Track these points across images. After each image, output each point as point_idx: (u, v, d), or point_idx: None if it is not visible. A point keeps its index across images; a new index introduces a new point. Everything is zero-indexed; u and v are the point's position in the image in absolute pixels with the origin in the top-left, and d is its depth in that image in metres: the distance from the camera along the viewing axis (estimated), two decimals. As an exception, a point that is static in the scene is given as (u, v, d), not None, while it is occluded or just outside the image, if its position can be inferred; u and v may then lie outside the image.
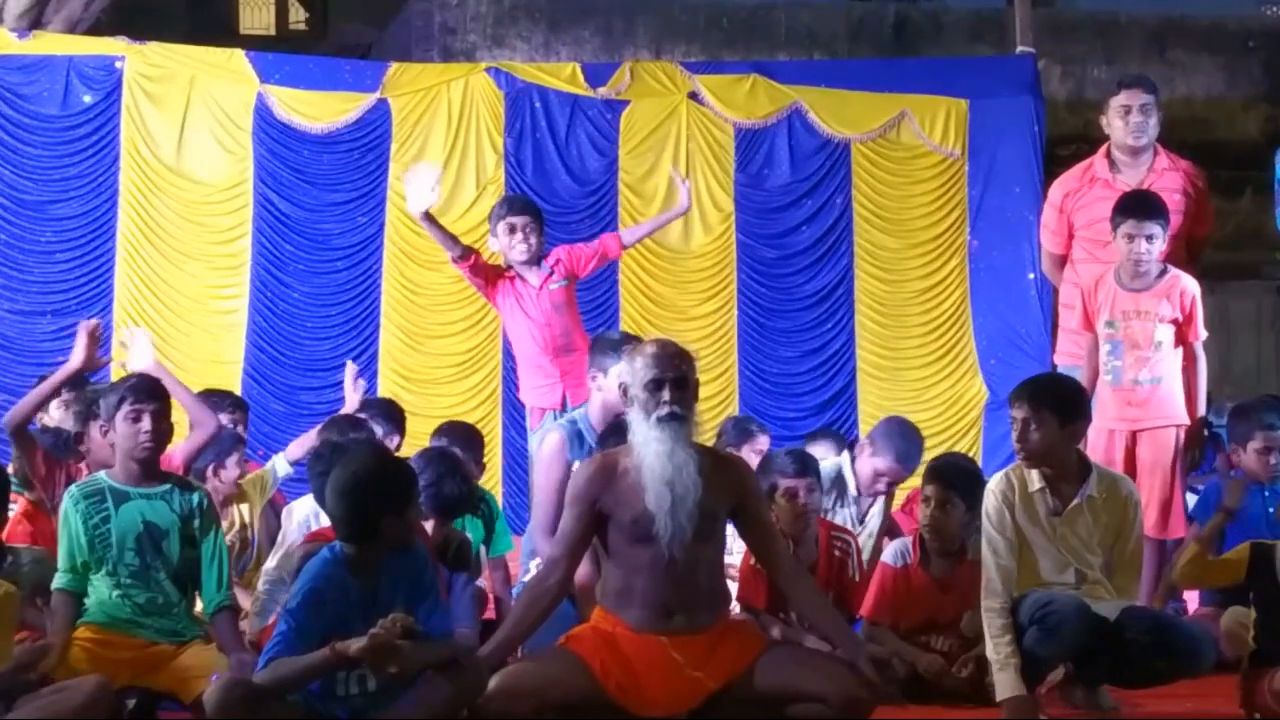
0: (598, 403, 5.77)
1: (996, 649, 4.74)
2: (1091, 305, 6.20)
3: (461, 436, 6.56)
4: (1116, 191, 6.39)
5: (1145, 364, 6.05)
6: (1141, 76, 6.76)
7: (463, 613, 5.37)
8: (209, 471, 6.18)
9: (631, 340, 5.80)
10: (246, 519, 6.30)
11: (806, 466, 5.61)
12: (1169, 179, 6.46)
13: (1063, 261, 6.62)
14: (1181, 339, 6.11)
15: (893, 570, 5.36)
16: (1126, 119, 6.42)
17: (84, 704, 4.39)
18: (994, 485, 4.92)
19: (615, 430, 5.33)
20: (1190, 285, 6.13)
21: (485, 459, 9.21)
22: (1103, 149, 6.56)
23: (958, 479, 5.40)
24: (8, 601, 4.66)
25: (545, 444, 5.71)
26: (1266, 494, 6.04)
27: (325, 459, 5.10)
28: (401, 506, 4.38)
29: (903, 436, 6.31)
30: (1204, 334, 6.18)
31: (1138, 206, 6.12)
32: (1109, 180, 6.45)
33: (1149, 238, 6.04)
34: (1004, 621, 4.75)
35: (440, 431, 6.67)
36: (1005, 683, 4.69)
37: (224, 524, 6.15)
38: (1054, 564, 4.87)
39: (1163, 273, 6.11)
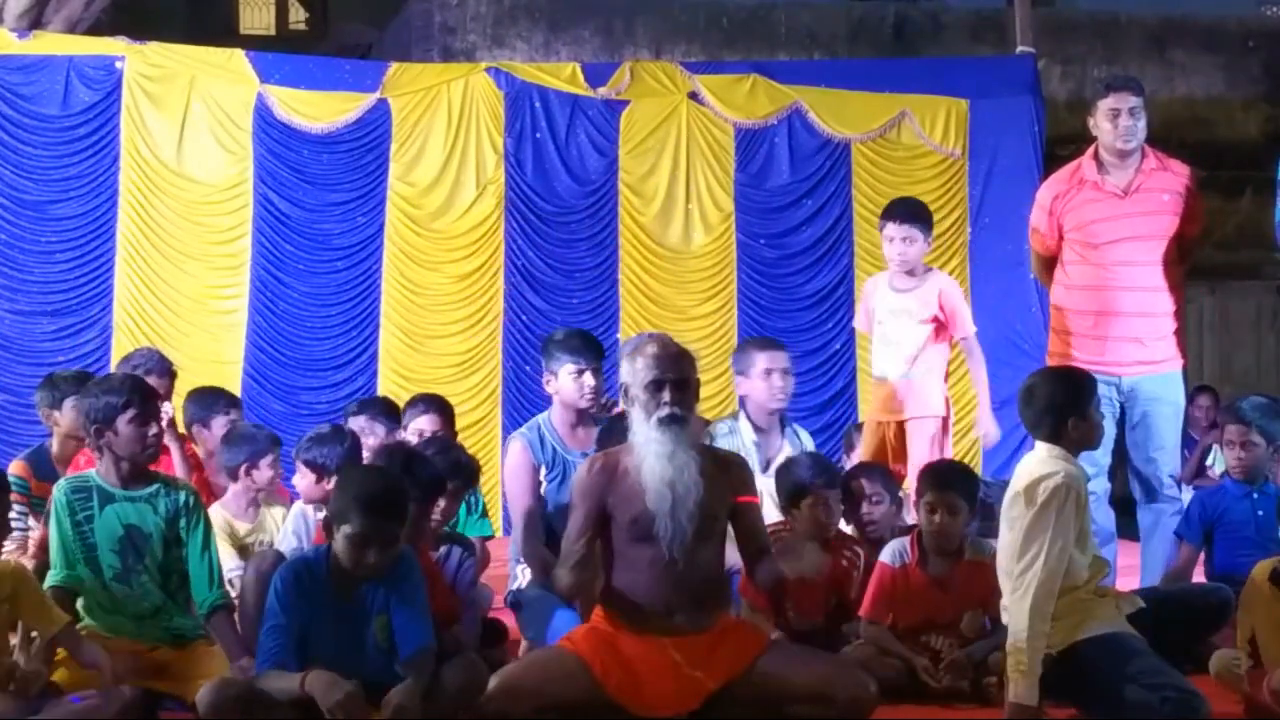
0: (557, 404, 5.81)
1: (1030, 653, 4.52)
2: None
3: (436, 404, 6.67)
4: (1105, 193, 6.40)
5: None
6: (1129, 79, 6.71)
7: (467, 623, 5.36)
8: (241, 471, 6.15)
9: (574, 337, 5.91)
10: (280, 524, 6.21)
11: (835, 478, 5.68)
12: (1157, 179, 6.44)
13: (1052, 264, 6.62)
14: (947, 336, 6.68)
15: (891, 570, 5.36)
16: (1115, 123, 6.38)
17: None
18: (1062, 480, 4.61)
19: (613, 430, 5.35)
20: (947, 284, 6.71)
21: (485, 459, 9.28)
22: (1090, 150, 6.53)
23: (957, 481, 5.41)
24: (22, 577, 4.66)
25: (509, 452, 5.76)
26: (1255, 496, 6.04)
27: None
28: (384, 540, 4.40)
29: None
30: (973, 328, 6.75)
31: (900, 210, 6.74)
32: (1098, 182, 6.43)
33: (906, 239, 6.59)
34: (1045, 627, 4.55)
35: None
36: (1024, 688, 4.51)
37: (251, 525, 6.14)
38: (1096, 561, 4.82)
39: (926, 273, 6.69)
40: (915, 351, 6.63)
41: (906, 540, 5.44)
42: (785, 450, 6.21)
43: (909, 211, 6.79)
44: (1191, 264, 6.69)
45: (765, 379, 6.23)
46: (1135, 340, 6.33)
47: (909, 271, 6.69)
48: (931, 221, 6.85)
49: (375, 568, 4.39)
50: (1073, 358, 6.28)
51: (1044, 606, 4.56)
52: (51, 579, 4.87)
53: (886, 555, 5.43)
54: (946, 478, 5.44)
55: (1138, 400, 6.34)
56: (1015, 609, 4.59)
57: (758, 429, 6.28)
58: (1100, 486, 6.30)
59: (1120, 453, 6.51)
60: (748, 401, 6.33)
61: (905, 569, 5.34)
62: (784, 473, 5.73)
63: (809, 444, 6.40)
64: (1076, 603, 4.67)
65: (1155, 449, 6.37)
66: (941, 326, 6.68)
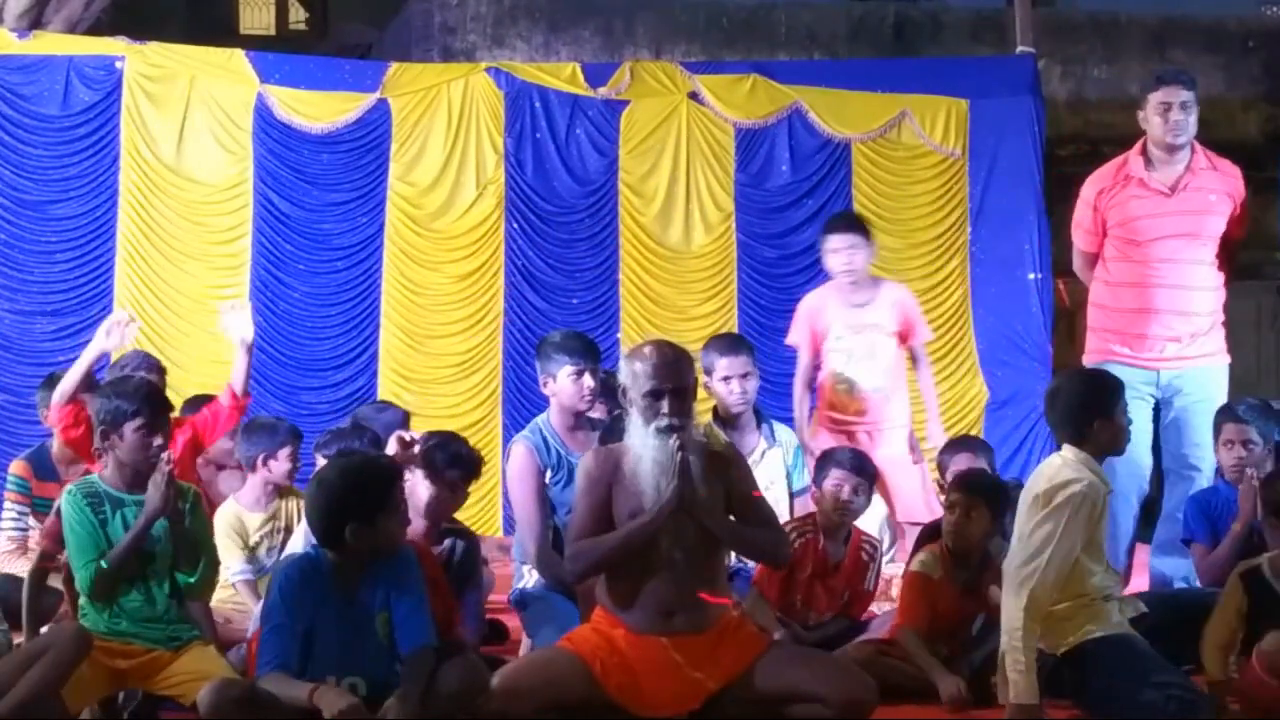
0: (555, 405, 5.79)
1: (1025, 652, 4.54)
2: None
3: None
4: (1151, 190, 6.30)
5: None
6: (1180, 72, 6.57)
7: (469, 617, 5.38)
8: (259, 461, 6.15)
9: (572, 338, 5.92)
10: (295, 517, 6.15)
11: (863, 469, 5.76)
12: (1205, 178, 6.34)
13: (1094, 260, 6.51)
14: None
15: (926, 579, 5.30)
16: (1166, 117, 6.26)
17: (62, 656, 4.41)
18: (1082, 489, 4.62)
19: (613, 431, 5.35)
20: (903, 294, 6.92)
21: (486, 459, 9.27)
22: (1137, 145, 6.41)
23: (984, 488, 5.38)
24: None
25: (513, 456, 5.73)
26: None
27: None
28: (369, 515, 4.39)
29: None
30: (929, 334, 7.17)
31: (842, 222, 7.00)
32: (1144, 179, 6.32)
33: (852, 247, 6.77)
34: (1036, 626, 4.58)
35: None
36: (1024, 687, 4.54)
37: (265, 515, 6.14)
38: (1105, 568, 4.81)
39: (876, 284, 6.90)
40: (891, 364, 6.82)
41: (935, 551, 5.40)
42: (760, 447, 6.23)
43: (848, 221, 6.99)
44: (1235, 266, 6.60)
45: (724, 384, 6.25)
46: (1174, 339, 6.26)
47: (856, 282, 6.75)
48: (870, 231, 6.98)
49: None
50: (1111, 354, 6.22)
51: (1038, 609, 4.57)
52: (86, 574, 4.80)
53: (919, 565, 5.38)
54: (975, 482, 5.46)
55: (1174, 396, 6.29)
56: (1009, 607, 4.60)
57: (730, 428, 6.24)
58: (1137, 488, 6.27)
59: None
60: (715, 402, 6.35)
61: (939, 580, 5.30)
62: (822, 460, 5.93)
63: (789, 441, 6.41)
64: (1081, 607, 4.68)
65: (1188, 445, 6.30)
66: (902, 336, 6.89)
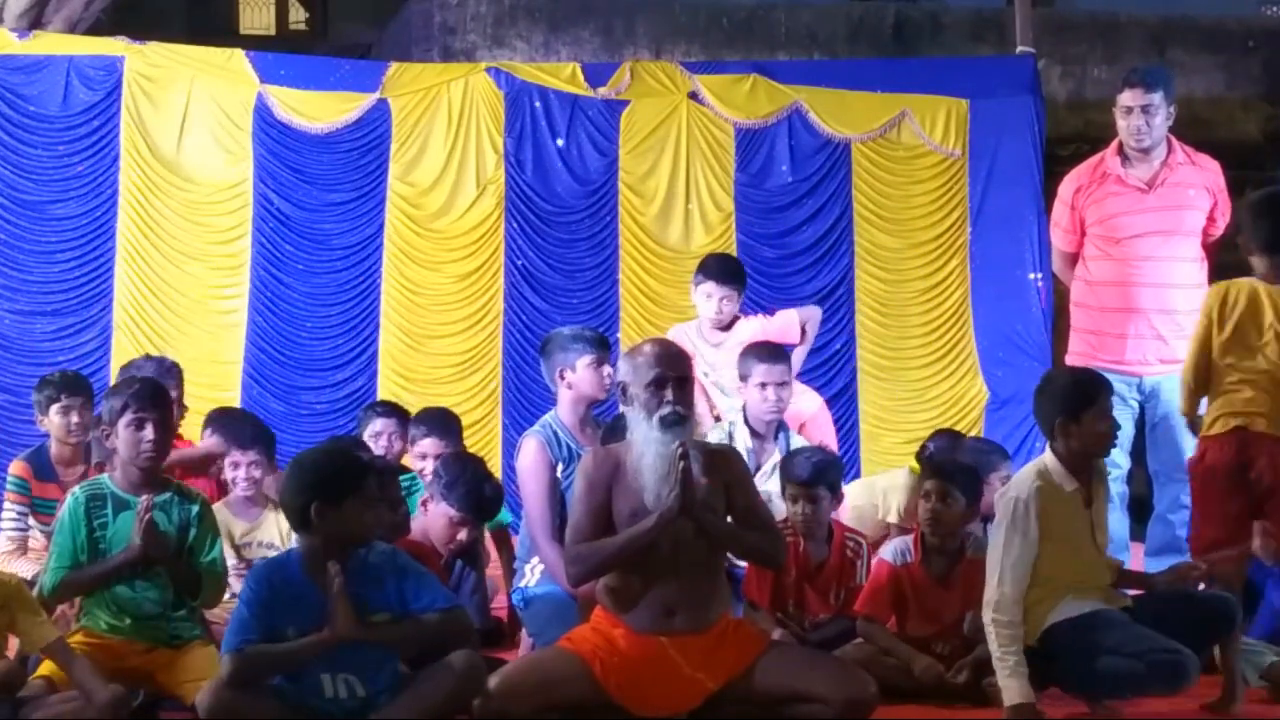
0: (567, 400, 5.78)
1: (1005, 657, 4.64)
2: None
3: (439, 422, 6.66)
4: (1129, 187, 6.28)
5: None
6: (1146, 74, 6.48)
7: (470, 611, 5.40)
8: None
9: (584, 331, 5.97)
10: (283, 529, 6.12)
11: (818, 477, 5.65)
12: (1183, 173, 6.32)
13: (1074, 259, 6.49)
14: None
15: (890, 568, 5.38)
16: (1126, 120, 6.27)
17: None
18: (1026, 484, 4.75)
19: (615, 430, 5.36)
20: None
21: (486, 459, 9.27)
22: (1114, 143, 6.40)
23: (957, 473, 5.44)
24: (16, 588, 4.68)
25: (525, 451, 5.72)
26: None
27: None
28: (335, 498, 4.32)
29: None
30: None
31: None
32: (1121, 176, 6.30)
33: (725, 299, 6.75)
34: (1013, 632, 4.66)
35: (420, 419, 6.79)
36: (1016, 689, 4.61)
37: (250, 525, 6.13)
38: (1092, 567, 4.82)
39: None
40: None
41: (909, 539, 5.47)
42: (775, 457, 6.20)
43: (729, 271, 6.89)
44: (1214, 262, 6.54)
45: (760, 390, 6.21)
46: (1158, 338, 6.23)
47: (722, 328, 6.81)
48: (745, 280, 7.03)
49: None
50: (1094, 357, 6.20)
51: (1004, 610, 4.69)
52: (51, 579, 4.83)
53: (887, 553, 5.45)
54: (948, 468, 5.50)
55: (1158, 401, 6.25)
56: (985, 619, 4.75)
57: (754, 434, 6.26)
58: (1117, 490, 6.24)
59: (1139, 455, 6.44)
60: (746, 408, 6.32)
61: (907, 567, 5.36)
62: (783, 464, 5.82)
63: None
64: (1050, 593, 4.72)
65: (1176, 451, 6.27)
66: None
